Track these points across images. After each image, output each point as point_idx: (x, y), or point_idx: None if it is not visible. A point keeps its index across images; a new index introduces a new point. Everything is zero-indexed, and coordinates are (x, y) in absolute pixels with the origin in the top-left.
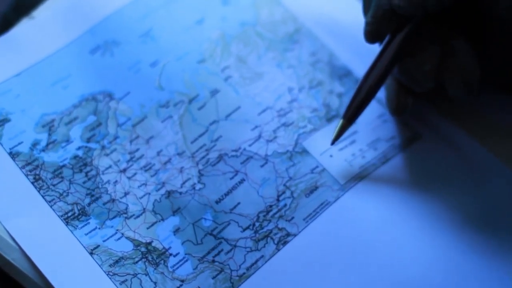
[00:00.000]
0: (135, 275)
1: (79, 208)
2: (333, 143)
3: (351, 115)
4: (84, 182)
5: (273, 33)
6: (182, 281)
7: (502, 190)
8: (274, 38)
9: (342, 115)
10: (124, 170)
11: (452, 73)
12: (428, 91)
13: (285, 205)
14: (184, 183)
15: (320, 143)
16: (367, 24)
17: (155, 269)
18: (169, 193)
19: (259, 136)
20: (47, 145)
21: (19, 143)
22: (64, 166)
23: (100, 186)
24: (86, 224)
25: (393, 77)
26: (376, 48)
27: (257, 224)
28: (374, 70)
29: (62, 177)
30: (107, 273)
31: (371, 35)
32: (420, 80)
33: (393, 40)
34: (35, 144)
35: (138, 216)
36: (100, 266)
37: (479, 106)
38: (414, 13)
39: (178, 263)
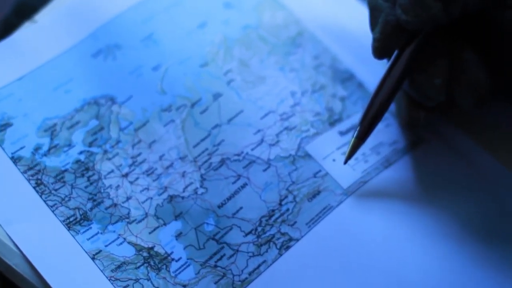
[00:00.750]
0: (137, 280)
1: (81, 213)
2: (345, 162)
3: (362, 133)
4: (86, 187)
5: (276, 36)
6: (184, 286)
7: (510, 199)
8: (276, 41)
9: (354, 135)
10: (126, 175)
11: (463, 86)
12: (439, 104)
13: (288, 209)
14: (186, 187)
15: (323, 147)
16: (375, 40)
17: (157, 274)
18: (171, 198)
19: (262, 140)
20: (49, 149)
21: (21, 148)
22: (66, 170)
23: (102, 190)
24: (88, 229)
25: (403, 92)
26: None
27: (259, 228)
28: (383, 86)
29: (64, 182)
30: (109, 278)
31: (379, 51)
32: (431, 94)
33: (402, 55)
34: (37, 148)
35: (140, 221)
36: (102, 271)
37: (487, 116)
38: (422, 27)
39: (180, 268)
